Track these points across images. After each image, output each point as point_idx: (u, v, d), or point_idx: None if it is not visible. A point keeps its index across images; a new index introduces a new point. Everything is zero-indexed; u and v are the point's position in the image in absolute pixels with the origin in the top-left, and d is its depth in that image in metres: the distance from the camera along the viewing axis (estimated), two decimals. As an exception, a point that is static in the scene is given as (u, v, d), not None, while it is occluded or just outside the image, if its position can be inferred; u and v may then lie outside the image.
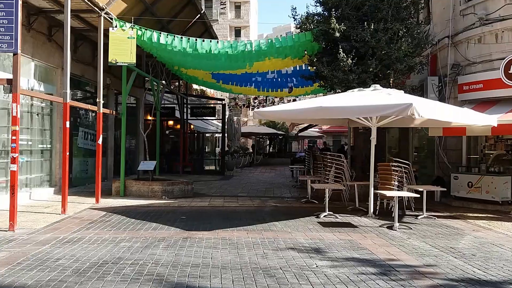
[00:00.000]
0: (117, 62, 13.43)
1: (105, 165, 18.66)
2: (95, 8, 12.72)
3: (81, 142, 16.53)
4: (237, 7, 62.80)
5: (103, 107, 13.34)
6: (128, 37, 13.45)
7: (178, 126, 25.79)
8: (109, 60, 13.36)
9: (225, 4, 60.04)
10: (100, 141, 13.05)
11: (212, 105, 28.30)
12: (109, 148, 18.80)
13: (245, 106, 37.76)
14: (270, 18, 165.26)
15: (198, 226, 9.62)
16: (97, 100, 13.15)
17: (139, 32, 13.90)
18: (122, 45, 13.41)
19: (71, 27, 14.39)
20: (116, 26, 13.41)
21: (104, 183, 16.47)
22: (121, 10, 14.61)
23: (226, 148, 29.11)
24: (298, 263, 6.75)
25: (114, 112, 16.38)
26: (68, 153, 11.30)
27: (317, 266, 6.58)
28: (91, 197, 13.26)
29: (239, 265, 6.57)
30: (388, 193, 10.49)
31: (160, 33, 14.28)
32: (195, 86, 31.31)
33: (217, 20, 57.86)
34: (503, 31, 13.21)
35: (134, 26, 13.65)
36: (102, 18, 12.99)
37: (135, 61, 13.53)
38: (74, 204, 12.32)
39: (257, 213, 11.66)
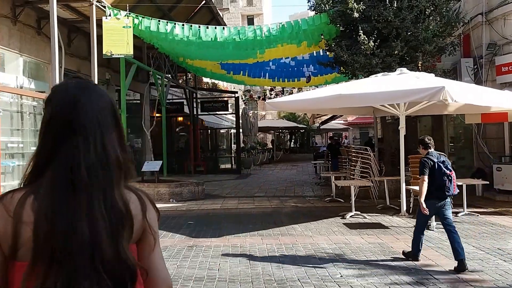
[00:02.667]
0: (113, 54, 13.06)
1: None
2: (86, -5, 12.31)
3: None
4: (249, -6, 62.25)
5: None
6: (124, 27, 13.04)
7: (189, 123, 25.43)
8: (104, 52, 12.95)
9: (237, -9, 59.56)
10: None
11: (224, 99, 27.88)
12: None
13: (261, 98, 37.23)
14: (286, 5, 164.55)
15: (206, 232, 9.22)
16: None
17: (136, 21, 13.42)
18: (117, 35, 13.01)
19: (62, 18, 14.22)
20: (110, 15, 13.01)
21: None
22: None
23: (242, 145, 28.71)
24: (320, 273, 6.26)
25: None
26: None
27: (341, 276, 6.09)
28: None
29: (250, 278, 6.12)
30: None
31: (159, 21, 13.83)
32: (205, 80, 30.94)
33: (228, 8, 57.41)
34: (543, 4, 12.53)
35: (130, 14, 13.23)
36: (94, 6, 12.49)
37: (132, 53, 13.10)
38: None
39: (274, 215, 11.22)
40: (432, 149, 7.12)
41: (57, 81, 10.58)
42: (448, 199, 6.90)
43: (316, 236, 8.67)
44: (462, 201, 10.50)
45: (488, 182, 11.90)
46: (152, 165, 15.26)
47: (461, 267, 6.20)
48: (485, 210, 11.12)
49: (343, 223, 9.80)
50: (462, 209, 10.49)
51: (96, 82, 12.75)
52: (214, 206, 12.78)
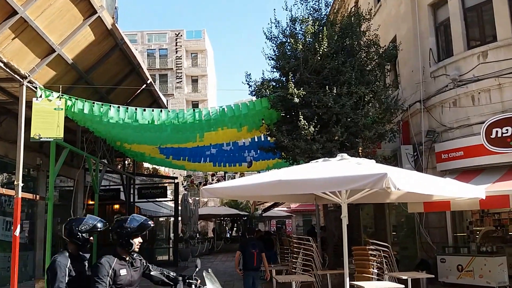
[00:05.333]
0: (41, 138, 12.22)
1: (33, 260, 16.92)
2: (16, 76, 11.65)
3: (1, 233, 14.90)
4: (194, 81, 63.22)
5: (26, 191, 11.95)
6: (55, 109, 12.37)
7: (124, 211, 24.22)
8: (32, 135, 12.15)
9: (181, 78, 60.35)
10: (17, 232, 11.53)
11: (164, 185, 26.99)
12: (37, 240, 17.09)
13: (202, 184, 36.57)
14: (230, 93, 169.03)
15: None
16: (15, 182, 11.78)
17: (69, 103, 12.79)
18: (47, 117, 12.32)
19: (-10, 99, 13.47)
20: (41, 96, 12.37)
21: (29, 284, 14.82)
22: (50, 78, 13.58)
23: (180, 234, 27.49)
24: None
25: (37, 196, 14.87)
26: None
27: None
28: (8, 302, 11.51)
29: None
30: (366, 285, 9.28)
31: (94, 103, 13.22)
32: (146, 165, 30.15)
33: (173, 94, 57.94)
34: (479, 93, 12.84)
35: (62, 96, 12.60)
36: (24, 87, 11.97)
37: (62, 136, 12.33)
38: (-19, 313, 10.61)
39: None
40: None
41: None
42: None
43: None
44: (408, 296, 9.87)
45: (433, 276, 11.41)
46: (77, 262, 13.98)
47: None
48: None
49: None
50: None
51: (22, 167, 11.84)
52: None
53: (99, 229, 5.16)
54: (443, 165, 13.30)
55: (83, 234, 4.99)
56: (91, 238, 5.10)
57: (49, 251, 13.30)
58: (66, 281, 4.69)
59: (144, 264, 5.21)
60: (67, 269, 4.74)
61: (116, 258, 4.85)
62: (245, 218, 42.72)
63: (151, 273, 5.21)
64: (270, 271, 13.01)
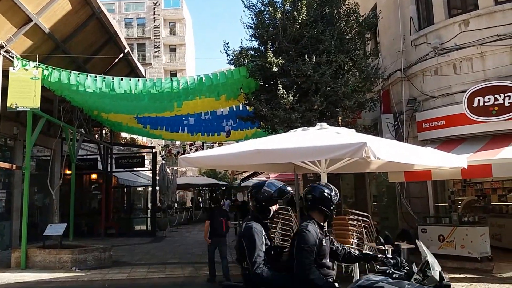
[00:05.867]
0: (18, 107, 12.26)
1: (9, 230, 16.66)
2: (-8, 45, 11.37)
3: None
4: (172, 50, 62.14)
5: (3, 161, 11.73)
6: (32, 78, 12.32)
7: (101, 181, 23.90)
8: (8, 105, 12.10)
9: (159, 48, 59.30)
10: (-10, 202, 11.25)
11: (141, 155, 26.61)
12: (14, 210, 16.84)
13: (180, 154, 36.18)
14: (209, 63, 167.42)
15: (105, 310, 7.92)
16: (-11, 152, 11.51)
17: (46, 72, 12.65)
18: (24, 87, 12.26)
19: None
20: (17, 66, 12.27)
21: (6, 253, 14.64)
22: (26, 48, 13.49)
23: (158, 204, 27.28)
24: None
25: (14, 166, 14.52)
26: None
27: None
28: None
29: None
30: (345, 255, 9.14)
31: (71, 72, 13.02)
32: (124, 134, 29.70)
33: (151, 63, 57.00)
34: (461, 61, 12.66)
35: (39, 65, 12.36)
36: (1, 56, 11.97)
37: (39, 105, 12.33)
38: (-44, 283, 10.43)
39: (186, 286, 10.05)
40: None
41: None
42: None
43: (230, 312, 7.57)
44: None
45: (414, 246, 11.32)
46: (55, 229, 13.91)
47: None
48: (412, 275, 10.44)
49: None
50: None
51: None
52: (120, 276, 11.50)
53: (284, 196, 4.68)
54: (424, 135, 13.16)
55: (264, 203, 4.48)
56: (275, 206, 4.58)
57: (26, 221, 13.28)
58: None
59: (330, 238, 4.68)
60: (263, 236, 4.30)
61: (317, 227, 4.37)
62: (224, 188, 42.64)
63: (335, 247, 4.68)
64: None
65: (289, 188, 4.60)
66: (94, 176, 25.69)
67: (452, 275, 10.47)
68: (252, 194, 4.55)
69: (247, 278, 4.22)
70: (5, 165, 13.13)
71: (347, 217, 10.55)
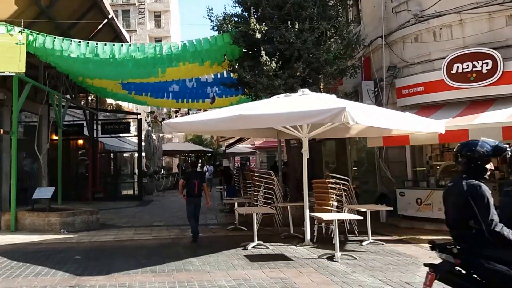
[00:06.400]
0: (3, 72, 12.26)
1: (-1, 193, 16.67)
2: (-24, 10, 11.17)
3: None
4: (157, 17, 61.25)
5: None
6: (17, 43, 12.26)
7: (88, 146, 23.88)
8: None
9: (144, 14, 58.34)
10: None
11: (127, 121, 26.54)
12: (3, 174, 16.74)
13: (165, 120, 36.14)
14: (194, 30, 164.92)
15: (93, 269, 8.09)
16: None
17: (30, 37, 12.58)
18: (9, 52, 12.18)
19: None
20: (1, 31, 12.14)
21: (-4, 216, 14.67)
22: (11, 13, 13.29)
23: (144, 169, 27.37)
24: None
25: (1, 130, 14.47)
26: None
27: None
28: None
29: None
30: (325, 216, 9.39)
31: (55, 38, 12.93)
32: (109, 101, 29.51)
33: (135, 30, 56.16)
34: (441, 28, 12.70)
35: (24, 30, 12.20)
36: None
37: (24, 71, 12.23)
38: None
39: (172, 247, 10.25)
40: None
41: None
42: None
43: (214, 271, 7.80)
44: (366, 228, 10.05)
45: (392, 208, 11.62)
46: (43, 192, 13.95)
47: None
48: (390, 238, 10.76)
49: (244, 255, 9.01)
50: (367, 237, 10.03)
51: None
52: (107, 237, 11.60)
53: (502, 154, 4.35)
54: (404, 101, 13.28)
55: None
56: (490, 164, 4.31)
57: (15, 185, 13.28)
58: None
59: None
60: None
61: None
62: (209, 154, 42.72)
63: None
64: (232, 204, 13.17)
65: (506, 146, 4.36)
66: (80, 141, 25.59)
67: (430, 237, 10.76)
68: (463, 153, 4.35)
69: (475, 239, 4.09)
70: (-8, 129, 13.09)
71: (327, 180, 10.74)
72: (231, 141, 32.10)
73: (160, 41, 56.63)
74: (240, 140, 30.09)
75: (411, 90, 13.04)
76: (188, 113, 31.46)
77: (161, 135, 34.82)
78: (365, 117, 8.43)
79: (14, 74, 12.41)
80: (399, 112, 10.56)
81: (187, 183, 11.26)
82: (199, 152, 40.06)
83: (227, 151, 35.31)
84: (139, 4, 58.12)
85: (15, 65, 12.12)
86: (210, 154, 42.88)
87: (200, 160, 43.26)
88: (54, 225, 12.65)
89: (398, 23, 13.87)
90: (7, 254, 9.48)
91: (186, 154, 41.87)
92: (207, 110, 23.65)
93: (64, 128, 19.47)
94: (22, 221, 12.93)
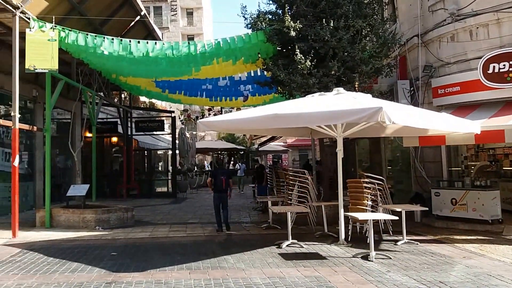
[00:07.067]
0: (36, 69, 12.23)
1: (33, 191, 17.13)
2: (8, 6, 11.47)
3: (0, 164, 14.94)
4: (189, 14, 61.62)
5: (24, 123, 11.94)
6: (49, 40, 12.27)
7: (122, 144, 24.31)
8: (26, 67, 12.11)
9: (176, 11, 58.78)
10: (16, 162, 11.60)
11: (161, 119, 26.92)
12: (37, 171, 17.22)
13: (199, 118, 36.37)
14: (226, 28, 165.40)
15: (129, 265, 8.31)
16: (12, 113, 11.80)
17: (62, 34, 12.64)
18: (41, 48, 12.23)
19: (-18, 30, 13.20)
20: (34, 27, 12.20)
21: (30, 213, 15.08)
22: (42, 9, 13.34)
23: (178, 167, 27.72)
24: (249, 316, 5.53)
25: (35, 127, 14.83)
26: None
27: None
28: (11, 230, 11.69)
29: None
30: (360, 216, 9.40)
31: (88, 34, 13.02)
32: (142, 98, 29.94)
33: (168, 27, 56.62)
34: (477, 28, 12.57)
35: (56, 27, 12.39)
36: (17, 17, 11.82)
37: (57, 67, 12.31)
38: (-15, 240, 10.87)
39: (206, 244, 10.43)
40: None
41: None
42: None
43: (249, 269, 7.93)
44: (401, 227, 10.06)
45: (427, 208, 11.56)
46: (78, 189, 14.22)
47: None
48: (424, 237, 10.73)
49: (279, 253, 9.12)
50: (402, 237, 10.04)
51: (18, 98, 11.77)
52: (142, 234, 11.83)
53: None
54: (439, 100, 13.20)
55: None
56: None
57: (49, 182, 13.48)
58: None
59: None
60: None
61: None
62: (242, 152, 42.93)
63: None
64: (266, 203, 13.30)
65: None
66: (114, 139, 26.06)
67: (464, 237, 10.73)
68: None
69: None
70: (26, 126, 13.33)
71: (362, 180, 10.76)
72: (263, 139, 32.27)
73: (193, 38, 57.08)
74: (272, 138, 30.21)
75: (447, 90, 12.95)
76: (221, 111, 31.72)
77: (194, 133, 35.16)
78: (402, 117, 8.43)
79: (47, 71, 12.49)
80: (436, 112, 10.51)
81: (215, 179, 12.17)
82: (231, 150, 40.28)
83: (259, 149, 35.48)
84: (171, 1, 58.52)
85: (48, 62, 12.20)
86: (242, 152, 43.10)
87: (232, 158, 43.58)
88: (89, 222, 12.89)
89: (434, 21, 13.76)
90: (43, 250, 9.73)
91: (219, 152, 42.18)
92: (240, 108, 23.92)
93: (98, 126, 19.83)
94: (57, 218, 13.15)
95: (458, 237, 10.72)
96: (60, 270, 7.98)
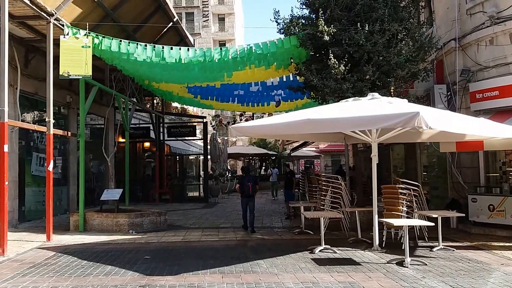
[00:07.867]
0: (70, 75, 12.55)
1: (66, 195, 17.52)
2: (43, 13, 11.82)
3: (35, 169, 15.33)
4: (221, 20, 62.17)
5: (57, 128, 12.23)
6: (83, 46, 12.58)
7: (154, 149, 24.67)
8: (60, 73, 12.43)
9: (208, 17, 59.34)
10: (50, 167, 11.91)
11: (193, 124, 27.22)
12: (70, 176, 17.61)
13: (231, 124, 36.66)
14: (258, 33, 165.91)
15: (163, 269, 8.44)
16: (46, 119, 12.10)
17: (96, 40, 12.95)
18: (75, 55, 12.54)
19: (19, 37, 13.65)
20: (68, 34, 12.52)
21: (64, 217, 15.42)
22: (76, 16, 13.68)
23: (210, 172, 27.95)
24: (283, 320, 5.57)
25: (69, 133, 15.18)
26: (7, 183, 10.03)
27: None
28: (45, 234, 12.00)
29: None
30: (396, 222, 9.35)
31: (121, 41, 13.30)
32: (174, 104, 30.34)
33: (200, 33, 57.18)
34: (518, 31, 12.33)
35: (89, 33, 12.69)
36: (51, 24, 12.14)
37: (90, 73, 12.60)
38: (21, 242, 11.20)
39: (239, 249, 10.52)
40: None
41: (6, 102, 9.85)
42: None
43: (281, 274, 7.97)
44: (436, 234, 9.96)
45: (463, 214, 11.41)
46: (111, 194, 14.52)
47: None
48: (461, 244, 10.60)
49: (312, 259, 9.14)
50: (437, 243, 9.95)
51: (52, 104, 12.08)
52: (175, 238, 12.00)
53: None
54: (477, 105, 13.03)
55: None
56: None
57: (83, 186, 13.79)
58: None
59: None
60: None
61: None
62: (274, 157, 43.00)
63: None
64: (299, 208, 13.34)
65: None
66: (147, 144, 26.48)
67: (502, 244, 10.55)
68: None
69: None
70: (60, 132, 13.64)
71: (397, 185, 10.69)
72: (295, 144, 32.27)
73: (225, 44, 57.51)
74: (304, 144, 30.19)
75: (485, 95, 12.78)
76: (253, 117, 31.88)
77: (225, 138, 35.41)
78: (439, 122, 8.36)
79: (81, 77, 12.75)
80: (473, 117, 10.38)
81: (242, 185, 13.28)
82: (263, 155, 40.39)
83: (291, 154, 35.48)
84: (203, 7, 59.06)
85: (82, 68, 12.43)
86: (274, 158, 43.17)
87: (264, 164, 43.67)
88: (123, 225, 13.11)
89: (472, 25, 13.59)
90: (77, 253, 9.94)
91: (250, 157, 42.34)
92: (271, 114, 24.00)
93: (131, 131, 20.14)
94: (91, 222, 13.42)
95: (496, 243, 10.57)
96: (94, 273, 8.15)
